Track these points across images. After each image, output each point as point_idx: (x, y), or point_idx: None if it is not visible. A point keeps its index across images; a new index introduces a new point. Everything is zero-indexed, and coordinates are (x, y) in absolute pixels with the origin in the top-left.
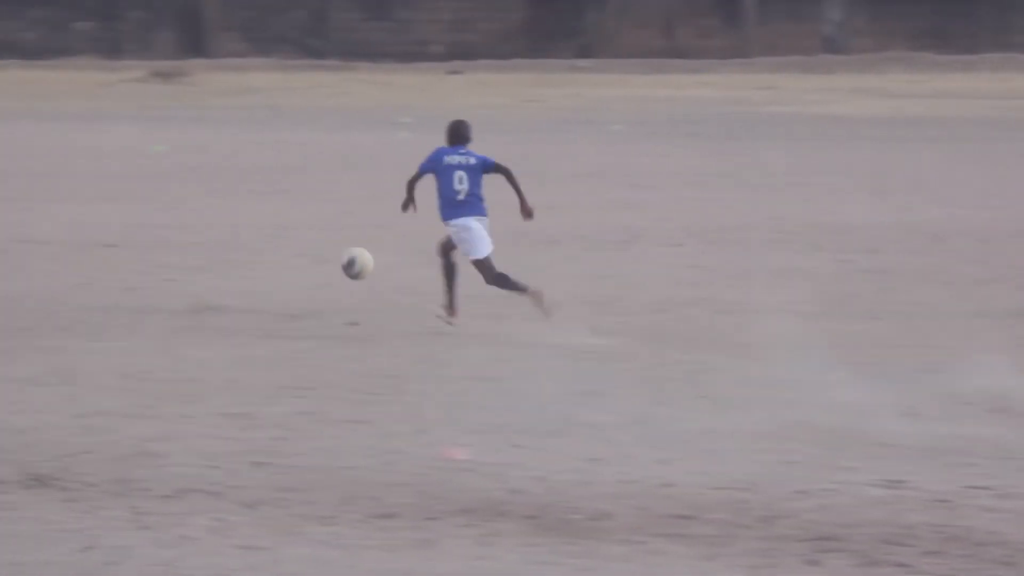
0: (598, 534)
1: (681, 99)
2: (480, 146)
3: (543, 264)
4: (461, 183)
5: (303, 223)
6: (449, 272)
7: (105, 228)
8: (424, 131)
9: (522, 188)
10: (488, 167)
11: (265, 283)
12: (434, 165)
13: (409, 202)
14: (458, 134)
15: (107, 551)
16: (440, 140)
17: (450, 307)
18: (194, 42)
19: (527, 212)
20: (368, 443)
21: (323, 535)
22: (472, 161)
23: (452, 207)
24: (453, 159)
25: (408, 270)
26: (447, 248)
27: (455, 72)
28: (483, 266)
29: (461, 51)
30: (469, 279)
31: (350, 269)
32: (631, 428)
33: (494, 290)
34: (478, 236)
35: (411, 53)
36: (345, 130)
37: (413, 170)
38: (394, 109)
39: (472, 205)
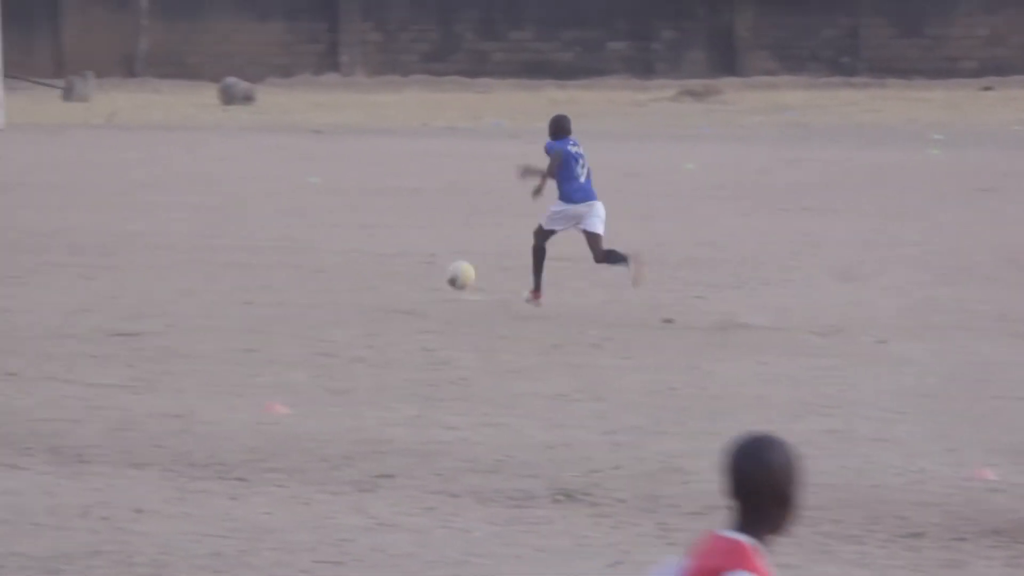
0: None
1: None
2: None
3: None
4: (582, 168)
5: (831, 240)
6: (539, 256)
7: (634, 245)
8: (956, 148)
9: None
10: None
11: (793, 300)
12: (564, 154)
13: (539, 191)
14: (563, 127)
15: (636, 567)
16: (970, 157)
17: (536, 291)
18: (725, 61)
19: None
20: (895, 462)
21: (851, 554)
22: (583, 150)
23: (578, 190)
24: (572, 149)
25: (934, 288)
26: (543, 235)
27: (988, 88)
28: (598, 242)
29: (994, 67)
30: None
31: (453, 284)
32: None
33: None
34: (599, 214)
35: (942, 70)
36: (875, 147)
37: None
38: (925, 126)
39: (591, 189)
